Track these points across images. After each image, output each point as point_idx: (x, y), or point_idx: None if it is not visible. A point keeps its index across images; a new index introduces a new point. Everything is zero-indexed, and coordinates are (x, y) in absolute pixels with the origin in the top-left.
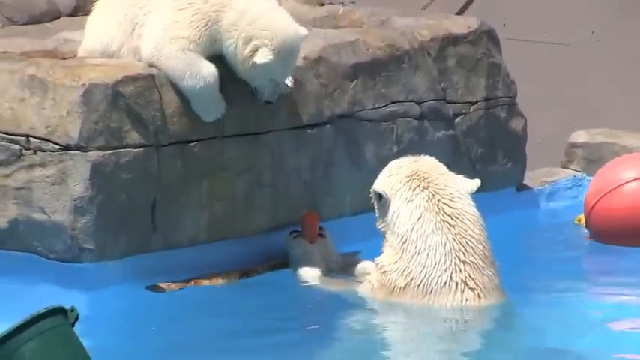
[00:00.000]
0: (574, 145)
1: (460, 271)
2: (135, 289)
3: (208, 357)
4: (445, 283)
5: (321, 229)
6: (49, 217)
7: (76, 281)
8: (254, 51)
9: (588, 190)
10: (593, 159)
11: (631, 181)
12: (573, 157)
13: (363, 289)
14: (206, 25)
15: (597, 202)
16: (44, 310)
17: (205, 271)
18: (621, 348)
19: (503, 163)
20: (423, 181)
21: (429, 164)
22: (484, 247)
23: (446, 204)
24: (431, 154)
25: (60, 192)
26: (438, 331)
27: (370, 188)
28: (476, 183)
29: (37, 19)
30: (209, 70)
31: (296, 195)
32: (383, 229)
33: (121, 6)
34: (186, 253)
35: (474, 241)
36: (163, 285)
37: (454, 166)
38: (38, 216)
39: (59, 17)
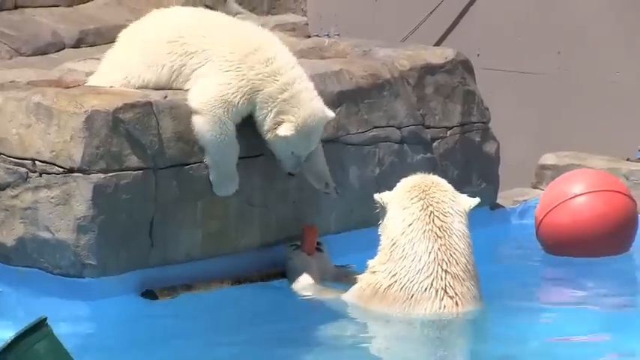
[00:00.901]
0: (543, 167)
1: (441, 279)
2: (134, 302)
3: None
4: (426, 289)
5: (318, 243)
6: (54, 235)
7: (79, 295)
8: (279, 124)
9: (538, 205)
10: None
11: (575, 196)
12: (543, 178)
13: (353, 290)
14: (249, 91)
15: (545, 216)
16: (44, 317)
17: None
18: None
19: (477, 184)
20: (422, 192)
21: (433, 180)
22: (467, 260)
23: (437, 217)
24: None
25: (64, 212)
26: (418, 339)
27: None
28: (475, 201)
29: (42, 51)
30: (235, 149)
31: (285, 214)
32: (380, 233)
33: (171, 53)
34: (182, 267)
35: (457, 254)
36: (157, 292)
37: None
38: (44, 234)
39: (63, 49)
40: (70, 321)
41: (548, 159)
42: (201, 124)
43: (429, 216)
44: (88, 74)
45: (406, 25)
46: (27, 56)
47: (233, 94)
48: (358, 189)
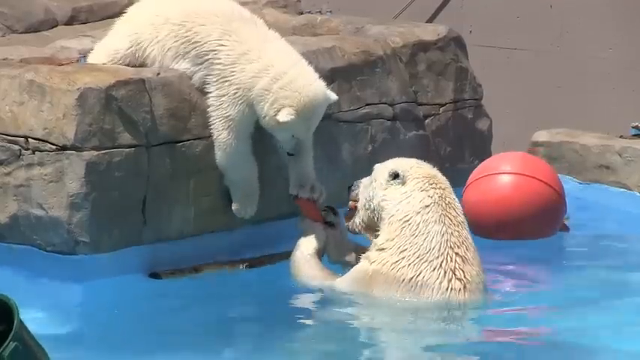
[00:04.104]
0: (536, 144)
1: (451, 260)
2: (127, 280)
3: (191, 346)
4: (435, 269)
5: (332, 209)
6: (47, 212)
7: (72, 272)
8: (278, 110)
9: None
10: (555, 156)
11: (486, 176)
12: (536, 155)
13: (355, 271)
14: (244, 95)
15: (463, 193)
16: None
17: (192, 262)
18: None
19: (470, 161)
20: (440, 187)
21: (446, 183)
22: (475, 250)
23: (454, 209)
24: (403, 153)
25: (57, 189)
26: (420, 325)
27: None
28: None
29: (35, 28)
30: (249, 169)
31: (277, 191)
32: (379, 206)
33: (176, 35)
34: (175, 245)
35: (467, 242)
36: (162, 274)
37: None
38: (37, 211)
39: (56, 26)
40: (62, 298)
41: (541, 136)
42: (215, 150)
43: (446, 204)
44: (81, 51)
45: (398, 1)
46: (20, 33)
47: (228, 106)
48: (350, 166)
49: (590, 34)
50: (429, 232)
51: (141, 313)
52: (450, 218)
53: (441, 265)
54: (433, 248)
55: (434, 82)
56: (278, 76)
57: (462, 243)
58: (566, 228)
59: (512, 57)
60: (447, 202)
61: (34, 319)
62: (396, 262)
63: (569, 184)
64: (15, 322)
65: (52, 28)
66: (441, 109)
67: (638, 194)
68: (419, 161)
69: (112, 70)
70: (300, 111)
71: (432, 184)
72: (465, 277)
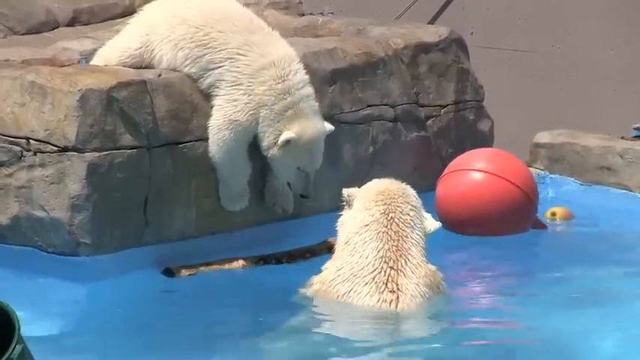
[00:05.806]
0: (538, 145)
1: (384, 274)
2: (129, 281)
3: (191, 346)
4: (367, 284)
5: None
6: (49, 213)
7: (73, 274)
8: (278, 135)
9: None
10: (556, 158)
11: (450, 172)
12: (537, 156)
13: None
14: (256, 108)
15: (436, 187)
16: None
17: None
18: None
19: None
20: (388, 199)
21: (404, 192)
22: (419, 263)
23: (397, 223)
24: (404, 155)
25: (58, 190)
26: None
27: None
28: (437, 225)
29: (36, 30)
30: (244, 169)
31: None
32: (337, 229)
33: (192, 38)
34: (176, 246)
35: (409, 257)
36: (174, 269)
37: (426, 165)
38: (38, 213)
39: (57, 27)
40: (63, 299)
41: (543, 137)
42: (210, 144)
43: (389, 220)
44: (82, 53)
45: (400, 3)
46: (21, 35)
47: (238, 111)
48: (352, 167)
49: (592, 35)
50: (364, 250)
51: (142, 313)
52: (389, 234)
53: (373, 279)
54: (368, 264)
55: (435, 83)
56: (290, 105)
57: (400, 257)
58: (542, 225)
59: (514, 58)
60: (389, 217)
61: (34, 320)
62: (332, 279)
63: (571, 186)
64: (16, 327)
65: (54, 29)
66: (442, 110)
67: (639, 195)
68: (382, 180)
69: (113, 72)
70: (299, 137)
71: (377, 202)
72: (399, 288)
